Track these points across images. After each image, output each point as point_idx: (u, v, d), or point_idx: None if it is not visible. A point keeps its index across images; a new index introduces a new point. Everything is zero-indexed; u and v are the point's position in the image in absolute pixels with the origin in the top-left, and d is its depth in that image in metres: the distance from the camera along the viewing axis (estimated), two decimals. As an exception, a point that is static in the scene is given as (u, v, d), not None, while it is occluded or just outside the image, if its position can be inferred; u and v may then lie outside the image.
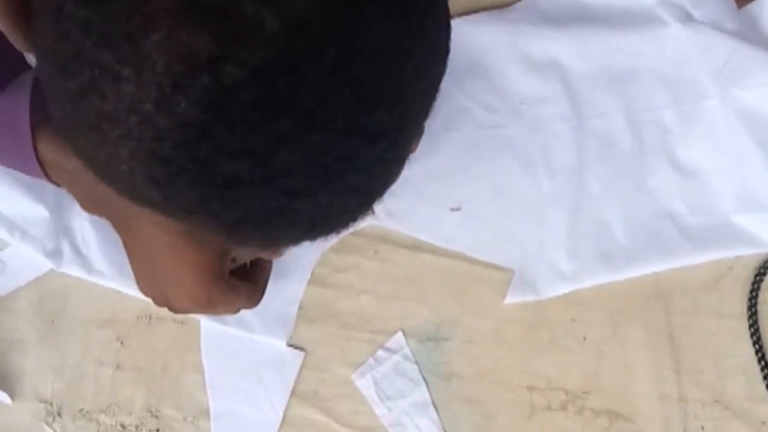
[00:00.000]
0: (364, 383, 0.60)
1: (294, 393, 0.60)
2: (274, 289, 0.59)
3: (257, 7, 0.27)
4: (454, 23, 0.64)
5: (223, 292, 0.51)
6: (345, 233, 0.62)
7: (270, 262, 0.57)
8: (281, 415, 0.60)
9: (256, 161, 0.29)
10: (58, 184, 0.51)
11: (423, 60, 0.32)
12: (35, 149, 0.48)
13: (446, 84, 0.63)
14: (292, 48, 0.28)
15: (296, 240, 0.36)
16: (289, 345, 0.61)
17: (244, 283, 0.53)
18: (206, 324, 0.62)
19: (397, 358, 0.60)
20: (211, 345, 0.62)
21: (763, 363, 0.57)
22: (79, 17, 0.28)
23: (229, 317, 0.62)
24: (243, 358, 0.61)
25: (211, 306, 0.50)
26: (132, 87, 0.28)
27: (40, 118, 0.47)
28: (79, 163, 0.46)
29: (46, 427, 0.62)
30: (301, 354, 0.61)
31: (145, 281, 0.52)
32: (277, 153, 0.29)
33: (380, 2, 0.30)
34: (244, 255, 0.54)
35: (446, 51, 0.35)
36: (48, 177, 0.50)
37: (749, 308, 0.58)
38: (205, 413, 0.61)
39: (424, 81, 0.34)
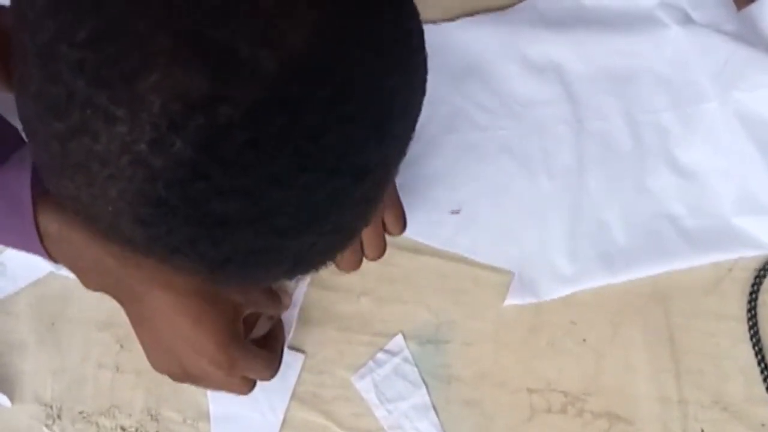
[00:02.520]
0: (364, 385, 0.60)
1: (294, 395, 0.60)
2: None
3: (254, 48, 0.27)
4: (454, 25, 0.65)
5: (243, 354, 0.51)
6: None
7: (283, 331, 0.58)
8: (281, 417, 0.60)
9: (248, 201, 0.29)
10: (58, 262, 0.50)
11: (408, 97, 0.33)
12: (37, 225, 0.47)
13: (445, 86, 0.64)
14: (287, 88, 0.28)
15: (276, 279, 0.36)
16: (289, 348, 0.61)
17: (261, 350, 0.53)
18: None
19: (397, 360, 0.60)
20: None
21: (762, 365, 0.57)
22: (71, 58, 0.28)
23: None
24: None
25: (232, 368, 0.50)
26: (125, 127, 0.28)
27: (41, 191, 0.46)
28: (83, 235, 0.46)
29: (46, 430, 0.62)
30: (301, 356, 0.61)
31: (159, 355, 0.51)
32: (270, 192, 0.29)
33: (369, 43, 0.30)
34: (260, 326, 0.55)
35: (424, 90, 0.35)
36: (49, 255, 0.49)
37: (749, 310, 0.58)
38: (205, 416, 0.61)
39: (408, 119, 0.34)
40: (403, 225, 0.56)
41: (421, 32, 0.34)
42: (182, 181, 0.28)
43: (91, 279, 0.51)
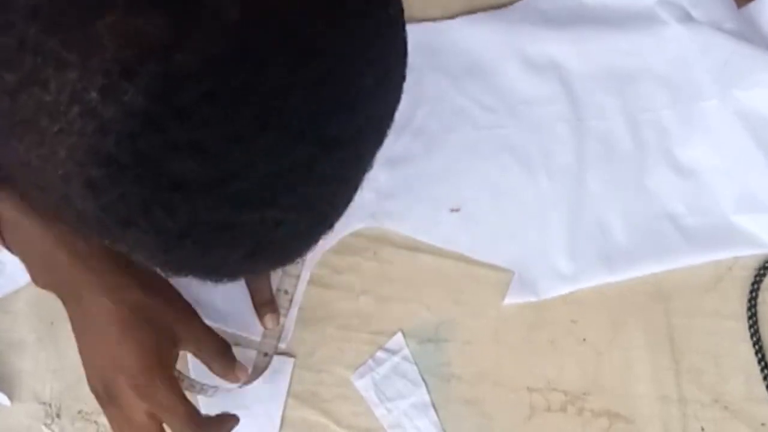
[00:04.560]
0: (363, 384, 0.60)
1: (293, 394, 0.60)
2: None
3: None
4: (454, 23, 0.65)
5: (165, 386, 0.48)
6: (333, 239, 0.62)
7: (231, 422, 0.54)
8: (278, 423, 0.60)
9: (205, 159, 0.28)
10: (12, 251, 0.49)
11: (384, 72, 0.32)
12: None
13: (445, 84, 0.64)
14: (250, 40, 0.27)
15: (237, 267, 0.34)
16: (279, 353, 0.60)
17: (185, 399, 0.50)
18: None
19: (396, 359, 0.60)
20: (199, 362, 0.61)
21: (763, 363, 0.57)
22: (26, 4, 0.26)
23: (230, 315, 0.61)
24: None
25: (147, 396, 0.48)
26: (76, 73, 0.26)
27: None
28: (38, 223, 0.44)
29: (45, 429, 0.62)
30: (291, 360, 0.60)
31: (89, 366, 0.49)
32: (229, 152, 0.28)
33: (347, 7, 0.29)
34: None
35: (402, 77, 0.34)
36: (3, 241, 0.48)
37: (749, 309, 0.58)
38: (204, 414, 0.61)
39: (384, 97, 0.32)
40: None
41: (399, 4, 0.32)
42: (134, 134, 0.27)
43: (40, 274, 0.50)
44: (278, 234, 0.32)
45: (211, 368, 0.55)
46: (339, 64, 0.29)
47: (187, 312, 0.54)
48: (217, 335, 0.56)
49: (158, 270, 0.34)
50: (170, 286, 0.54)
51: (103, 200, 0.29)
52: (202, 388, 0.58)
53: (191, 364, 0.60)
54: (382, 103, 0.33)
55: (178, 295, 0.55)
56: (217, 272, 0.34)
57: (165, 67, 0.26)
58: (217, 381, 0.57)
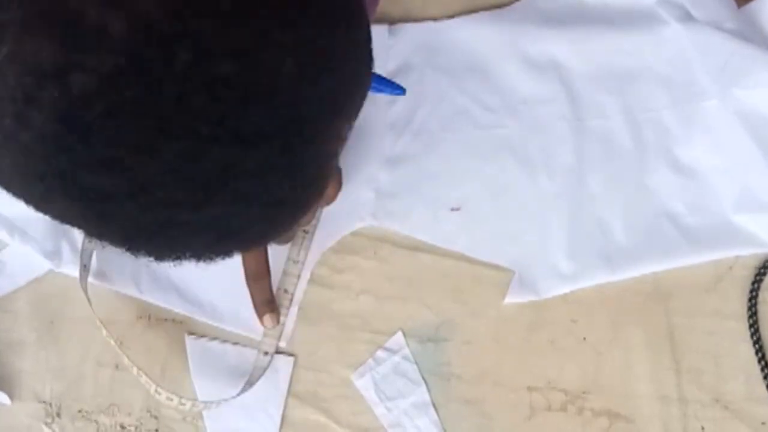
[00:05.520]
0: (363, 384, 0.60)
1: (293, 394, 0.60)
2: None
3: (101, 12, 0.26)
4: (454, 22, 0.65)
5: None
6: (340, 236, 0.62)
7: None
8: (279, 422, 0.60)
9: (118, 174, 0.28)
10: None
11: (308, 56, 0.30)
12: None
13: (445, 84, 0.64)
14: (140, 53, 0.27)
15: (212, 251, 0.34)
16: (279, 352, 0.61)
17: None
18: (192, 342, 0.62)
19: (396, 358, 0.60)
20: (199, 362, 0.61)
21: (763, 363, 0.57)
22: None
23: (230, 314, 0.61)
24: (233, 372, 0.61)
25: None
26: None
27: None
28: None
29: (45, 428, 0.62)
30: (291, 359, 0.61)
31: None
32: (139, 163, 0.28)
33: None
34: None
35: (355, 46, 0.33)
36: None
37: (749, 308, 0.58)
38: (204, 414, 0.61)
39: (317, 82, 0.31)
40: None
41: None
42: (49, 155, 0.28)
43: None
44: (234, 223, 0.32)
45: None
46: (240, 59, 0.28)
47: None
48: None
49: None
50: None
51: (50, 209, 0.30)
52: (207, 406, 0.58)
53: (194, 377, 0.61)
54: (315, 88, 0.31)
55: None
56: (197, 257, 0.34)
57: (62, 91, 0.26)
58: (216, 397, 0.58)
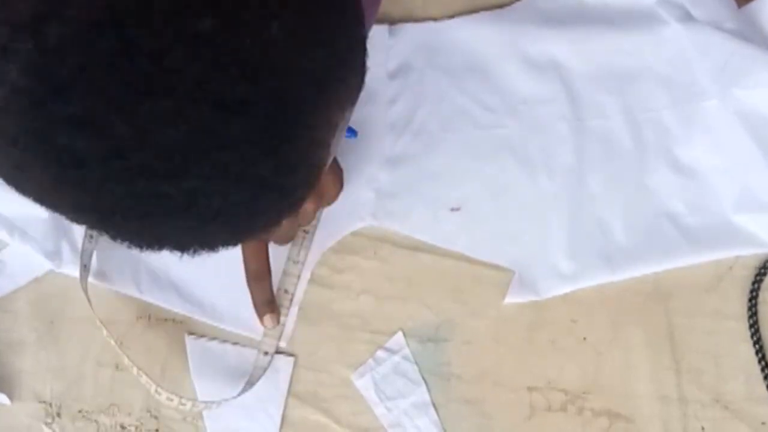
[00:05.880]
0: (363, 384, 0.60)
1: (293, 394, 0.60)
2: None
3: None
4: (454, 22, 0.65)
5: None
6: (340, 236, 0.62)
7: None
8: (279, 422, 0.60)
9: (93, 133, 0.27)
10: None
11: (296, 23, 0.29)
12: None
13: (445, 84, 0.64)
14: (118, 4, 0.26)
15: (196, 237, 0.32)
16: (279, 352, 0.61)
17: None
18: (193, 342, 0.62)
19: (396, 358, 0.60)
20: (199, 362, 0.61)
21: (763, 363, 0.57)
22: None
23: (230, 314, 0.61)
24: (233, 372, 0.61)
25: None
26: None
27: None
28: None
29: (45, 428, 0.62)
30: (291, 359, 0.61)
31: None
32: (114, 122, 0.27)
33: None
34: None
35: (348, 23, 0.32)
36: None
37: (749, 308, 0.58)
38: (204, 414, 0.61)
39: (306, 51, 0.29)
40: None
41: None
42: (21, 112, 0.27)
43: None
44: (214, 204, 0.30)
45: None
46: (223, 18, 0.27)
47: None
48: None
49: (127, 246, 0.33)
50: None
51: (22, 179, 0.29)
52: (207, 406, 0.58)
53: (194, 377, 0.61)
54: (303, 59, 0.29)
55: None
56: (180, 246, 0.33)
57: (37, 43, 0.26)
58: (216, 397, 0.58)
